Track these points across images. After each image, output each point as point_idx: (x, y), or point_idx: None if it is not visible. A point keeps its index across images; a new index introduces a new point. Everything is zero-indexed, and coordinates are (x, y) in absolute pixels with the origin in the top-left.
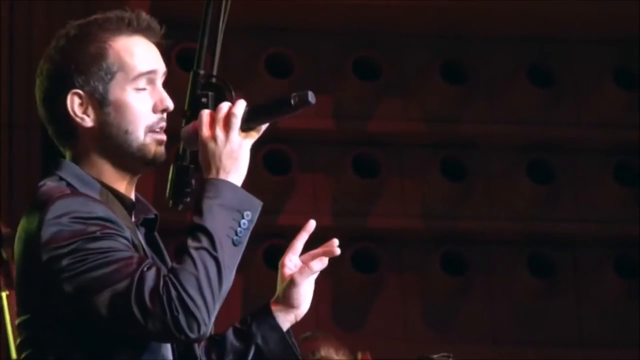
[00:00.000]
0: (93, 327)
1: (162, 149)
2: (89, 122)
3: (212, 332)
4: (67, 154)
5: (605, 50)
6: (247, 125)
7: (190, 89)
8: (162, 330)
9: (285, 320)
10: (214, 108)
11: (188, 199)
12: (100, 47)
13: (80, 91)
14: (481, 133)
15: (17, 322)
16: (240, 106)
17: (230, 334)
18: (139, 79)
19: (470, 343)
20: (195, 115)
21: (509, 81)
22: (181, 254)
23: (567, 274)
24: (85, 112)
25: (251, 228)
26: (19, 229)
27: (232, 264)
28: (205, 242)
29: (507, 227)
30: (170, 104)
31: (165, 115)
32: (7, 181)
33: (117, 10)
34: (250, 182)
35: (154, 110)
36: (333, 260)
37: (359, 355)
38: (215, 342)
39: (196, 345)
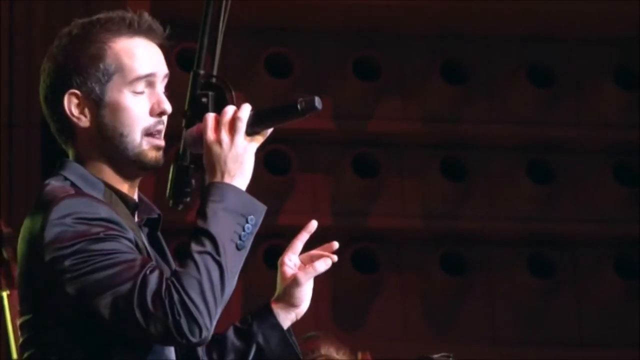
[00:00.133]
0: (95, 328)
1: (159, 154)
2: (85, 122)
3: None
4: (70, 153)
5: (606, 50)
6: (252, 129)
7: (190, 89)
8: (163, 334)
9: (286, 319)
10: (214, 108)
11: (188, 199)
12: (100, 47)
13: (77, 91)
14: (481, 133)
15: (19, 322)
16: (246, 110)
17: (231, 333)
18: (137, 81)
19: (470, 343)
20: (195, 116)
21: (509, 81)
22: (184, 257)
23: (567, 274)
24: (82, 113)
25: (255, 232)
26: (23, 228)
27: (235, 268)
28: (208, 247)
29: (507, 227)
30: (167, 107)
31: (163, 118)
32: (7, 181)
33: (120, 10)
34: (250, 182)
35: (151, 113)
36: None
37: (359, 355)
38: (216, 342)
39: None
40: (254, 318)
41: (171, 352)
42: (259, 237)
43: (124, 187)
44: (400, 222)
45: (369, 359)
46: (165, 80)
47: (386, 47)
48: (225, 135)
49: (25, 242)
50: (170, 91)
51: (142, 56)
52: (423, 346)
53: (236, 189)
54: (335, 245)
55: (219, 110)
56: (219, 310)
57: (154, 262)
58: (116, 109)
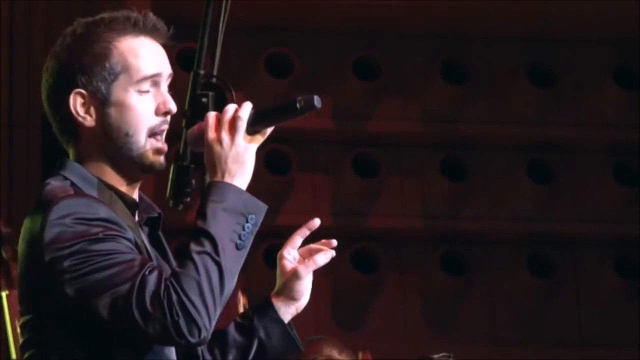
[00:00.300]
0: (95, 328)
1: (161, 158)
2: (90, 121)
3: None
4: (71, 152)
5: (606, 50)
6: (253, 128)
7: (190, 89)
8: (162, 334)
9: (287, 312)
10: (215, 108)
11: (188, 199)
12: (105, 47)
13: (83, 91)
14: (481, 133)
15: (19, 322)
16: (246, 109)
17: (232, 328)
18: (142, 81)
19: (470, 343)
20: (195, 116)
21: (509, 81)
22: (184, 257)
23: (567, 274)
24: (87, 112)
25: (255, 232)
26: (23, 228)
27: (235, 268)
28: (207, 247)
29: (507, 227)
30: (173, 107)
31: (168, 118)
32: (7, 181)
33: (124, 10)
34: (250, 182)
35: (157, 113)
36: (333, 260)
37: (360, 355)
38: (218, 338)
39: None
40: (254, 313)
41: (171, 351)
42: (259, 237)
43: (124, 187)
44: (400, 222)
45: (369, 359)
46: (169, 80)
47: (386, 47)
48: (225, 135)
49: (25, 242)
50: (170, 91)
51: (147, 56)
52: (423, 346)
53: (236, 189)
54: (334, 242)
55: (219, 110)
56: (219, 311)
57: (153, 262)
58: (122, 108)
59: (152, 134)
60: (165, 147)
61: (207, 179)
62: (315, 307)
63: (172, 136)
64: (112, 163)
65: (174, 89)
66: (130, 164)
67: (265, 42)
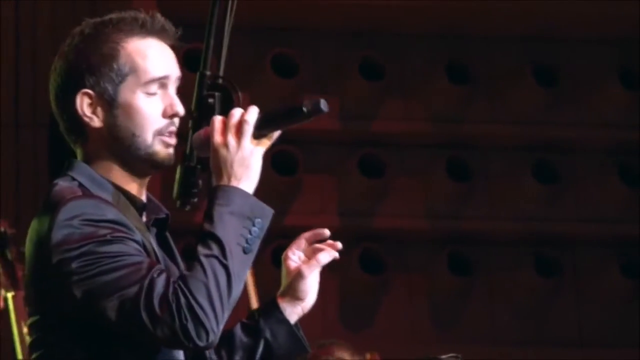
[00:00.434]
0: (102, 330)
1: (170, 152)
2: (97, 122)
3: None
4: (78, 152)
5: (608, 51)
6: (259, 132)
7: (196, 89)
8: (170, 337)
9: (293, 312)
10: (221, 109)
11: (195, 200)
12: (113, 47)
13: (90, 91)
14: (485, 133)
15: (28, 322)
16: (253, 113)
17: (238, 329)
18: (150, 83)
19: (477, 343)
20: (201, 116)
21: (512, 81)
22: (191, 260)
23: (570, 273)
24: (94, 113)
25: (262, 236)
26: (30, 229)
27: (242, 272)
28: (215, 250)
29: (512, 227)
30: (180, 109)
31: (175, 120)
32: (14, 181)
33: (132, 11)
34: (257, 183)
35: (164, 115)
36: (339, 261)
37: (368, 356)
38: (224, 339)
39: None
40: (260, 313)
41: (179, 352)
42: (267, 238)
43: (132, 187)
44: (405, 223)
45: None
46: (178, 82)
47: (390, 48)
48: (232, 139)
49: (32, 244)
50: (177, 92)
51: (155, 58)
52: (430, 346)
53: (243, 192)
54: (339, 245)
55: (225, 110)
56: (226, 314)
57: (161, 265)
58: (129, 109)
59: (159, 134)
60: (173, 140)
61: (214, 182)
62: (322, 307)
63: (179, 137)
64: (120, 162)
65: (180, 90)
66: (139, 161)
67: (271, 43)
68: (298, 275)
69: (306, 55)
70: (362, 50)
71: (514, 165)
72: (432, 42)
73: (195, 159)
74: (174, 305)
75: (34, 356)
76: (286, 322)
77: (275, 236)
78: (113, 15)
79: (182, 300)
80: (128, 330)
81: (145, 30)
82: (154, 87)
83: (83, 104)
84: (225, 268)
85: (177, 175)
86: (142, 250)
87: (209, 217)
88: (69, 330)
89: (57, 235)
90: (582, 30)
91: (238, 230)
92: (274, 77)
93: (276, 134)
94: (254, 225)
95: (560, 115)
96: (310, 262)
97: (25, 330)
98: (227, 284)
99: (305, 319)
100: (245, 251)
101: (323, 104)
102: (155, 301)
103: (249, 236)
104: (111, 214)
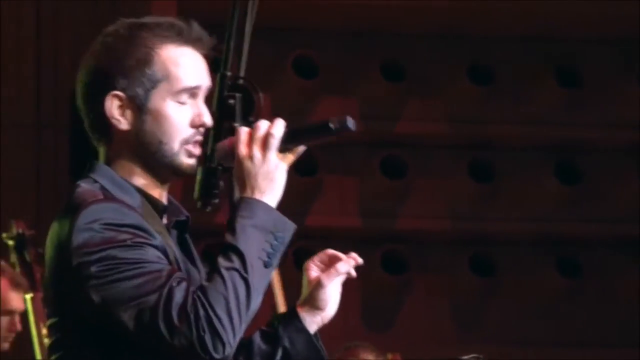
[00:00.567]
0: (119, 336)
1: (193, 162)
2: (125, 125)
3: None
4: (100, 151)
5: (629, 50)
6: (285, 146)
7: (217, 90)
8: (187, 348)
9: (312, 322)
10: (242, 110)
11: (216, 201)
12: (147, 52)
13: (121, 93)
14: (507, 134)
15: (47, 324)
16: (279, 127)
17: (257, 336)
18: (182, 92)
19: (499, 344)
20: (222, 117)
21: (534, 82)
22: (211, 271)
23: (592, 275)
24: (122, 115)
25: (283, 250)
26: (51, 232)
27: (262, 286)
28: (236, 263)
29: (534, 228)
30: (208, 121)
31: (201, 130)
32: (35, 181)
33: (169, 17)
34: None
35: (192, 125)
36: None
37: (389, 356)
38: (243, 346)
39: None
40: (279, 321)
41: None
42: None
43: (153, 190)
44: (427, 224)
45: None
46: (207, 92)
47: (411, 49)
48: (257, 151)
49: (53, 246)
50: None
51: (189, 67)
52: (451, 347)
53: (266, 206)
54: (360, 260)
55: (246, 111)
56: (244, 327)
57: (180, 273)
58: (158, 116)
59: (185, 144)
60: (197, 151)
61: (237, 194)
62: (344, 308)
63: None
64: (144, 166)
65: None
66: (163, 168)
67: (292, 44)
68: (318, 284)
69: (327, 56)
70: (383, 51)
71: (536, 166)
72: (453, 43)
73: (216, 160)
74: (192, 317)
75: (53, 358)
76: (305, 331)
77: (297, 237)
78: (149, 19)
79: (201, 311)
80: (145, 339)
81: (182, 38)
82: (184, 96)
83: (113, 105)
84: (246, 281)
85: (198, 177)
86: (163, 257)
87: (232, 229)
88: (87, 334)
89: (78, 238)
90: (607, 31)
91: (260, 244)
92: (295, 78)
93: (301, 149)
94: (275, 240)
95: (581, 115)
96: (329, 271)
97: (44, 331)
98: (246, 298)
99: None
100: (265, 265)
101: (350, 122)
102: (174, 311)
103: (270, 250)
104: (132, 218)
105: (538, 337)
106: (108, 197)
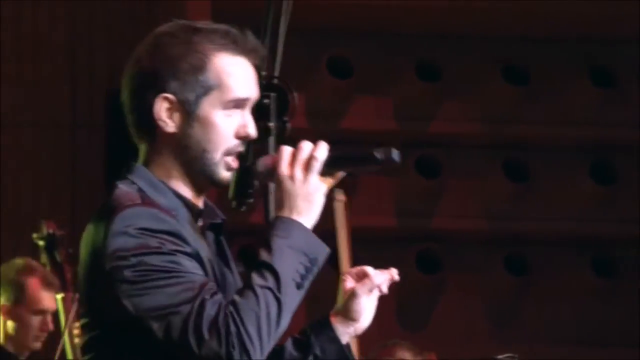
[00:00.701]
0: (147, 343)
1: (229, 175)
2: (171, 128)
3: None
4: (142, 149)
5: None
6: (326, 170)
7: None
8: None
9: (345, 332)
10: (276, 109)
11: (251, 200)
12: (202, 59)
13: (171, 96)
14: (542, 134)
15: (80, 323)
16: (323, 150)
17: (289, 344)
18: (231, 102)
19: (533, 343)
20: (256, 117)
21: (570, 81)
22: (245, 288)
23: (628, 275)
24: (170, 118)
25: (315, 273)
26: (86, 233)
27: (292, 306)
28: (271, 282)
29: (569, 228)
30: (252, 133)
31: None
32: (70, 182)
33: (224, 25)
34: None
35: (236, 136)
36: (396, 261)
37: (425, 355)
38: (275, 353)
39: None
40: (312, 330)
41: None
42: (323, 239)
43: (190, 194)
44: (462, 223)
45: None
46: (253, 104)
47: (446, 49)
48: (299, 172)
49: (87, 248)
50: None
51: (241, 77)
52: (486, 346)
53: (302, 227)
54: (396, 277)
55: (281, 111)
56: (271, 345)
57: (213, 285)
58: (206, 124)
59: (227, 154)
60: (235, 164)
61: (275, 212)
62: (379, 306)
63: None
64: (183, 170)
65: None
66: (200, 175)
67: (326, 44)
68: (352, 295)
69: (361, 56)
70: (417, 51)
71: (570, 166)
72: (488, 43)
73: (252, 160)
74: (223, 331)
75: (85, 358)
76: (337, 341)
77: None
78: (203, 25)
79: (232, 327)
80: (173, 349)
81: (237, 47)
82: (233, 106)
83: (162, 107)
84: (278, 301)
85: (234, 176)
86: (197, 265)
87: (268, 247)
88: (117, 337)
89: (112, 242)
90: (633, 31)
91: (294, 266)
92: (329, 78)
93: (341, 174)
94: (309, 262)
95: (616, 115)
96: (364, 282)
97: (75, 331)
98: (277, 317)
99: None
100: (298, 287)
101: (395, 154)
102: (205, 324)
103: (304, 272)
104: (167, 224)
105: (572, 336)
106: (146, 201)
